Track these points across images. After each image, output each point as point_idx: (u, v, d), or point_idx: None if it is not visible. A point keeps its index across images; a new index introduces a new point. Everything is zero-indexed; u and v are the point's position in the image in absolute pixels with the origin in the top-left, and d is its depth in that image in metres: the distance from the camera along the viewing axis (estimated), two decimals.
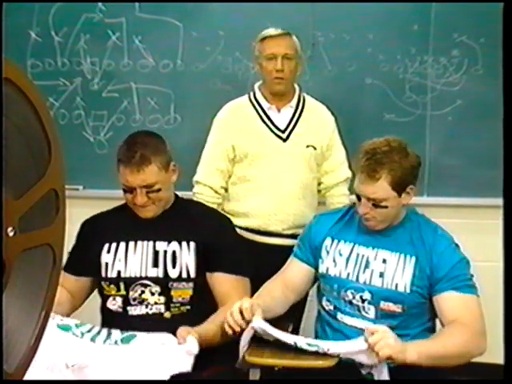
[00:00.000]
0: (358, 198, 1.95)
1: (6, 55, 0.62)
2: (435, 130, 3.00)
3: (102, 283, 2.01)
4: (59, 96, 3.09)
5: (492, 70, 2.85)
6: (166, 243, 1.98)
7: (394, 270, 1.94)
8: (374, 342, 1.70)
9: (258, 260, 2.22)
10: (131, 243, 2.00)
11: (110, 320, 2.01)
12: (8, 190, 0.64)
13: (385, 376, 1.76)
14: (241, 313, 1.80)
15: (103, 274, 2.00)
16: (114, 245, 2.01)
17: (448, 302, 1.88)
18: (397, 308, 1.92)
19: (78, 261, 2.05)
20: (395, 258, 1.95)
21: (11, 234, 0.65)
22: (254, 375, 1.87)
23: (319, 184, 2.67)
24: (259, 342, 1.85)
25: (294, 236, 2.43)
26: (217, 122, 2.61)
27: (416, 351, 1.75)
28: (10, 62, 0.62)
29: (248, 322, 1.80)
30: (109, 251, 2.01)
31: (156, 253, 1.98)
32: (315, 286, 2.18)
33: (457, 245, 1.97)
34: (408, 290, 1.92)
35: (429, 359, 1.77)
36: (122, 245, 2.00)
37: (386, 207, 1.91)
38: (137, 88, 3.09)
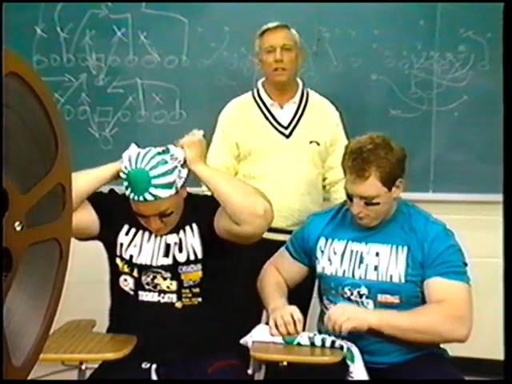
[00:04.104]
0: (350, 197, 1.96)
1: (11, 51, 0.62)
2: (441, 125, 3.00)
3: (117, 260, 2.02)
4: (65, 92, 3.10)
5: (499, 66, 2.83)
6: (175, 235, 2.00)
7: (388, 262, 1.96)
8: (334, 319, 1.82)
9: (262, 256, 2.22)
10: (146, 233, 2.01)
11: (121, 301, 2.03)
12: (15, 185, 0.64)
13: (363, 374, 1.81)
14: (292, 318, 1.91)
15: (118, 253, 2.01)
16: (133, 229, 2.02)
17: (433, 287, 1.91)
18: (394, 299, 1.94)
19: (102, 205, 2.01)
20: (387, 249, 1.97)
21: (18, 228, 0.65)
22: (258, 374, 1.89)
23: (324, 180, 2.67)
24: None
25: None
26: (221, 119, 2.62)
27: (378, 318, 1.85)
28: (16, 55, 0.62)
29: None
30: (127, 233, 2.02)
31: (167, 245, 2.00)
32: (316, 285, 2.18)
33: (449, 232, 1.98)
34: (403, 280, 1.94)
35: (391, 328, 1.85)
36: (141, 232, 2.01)
37: (378, 204, 1.93)
38: (142, 84, 3.09)
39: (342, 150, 2.65)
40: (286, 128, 2.56)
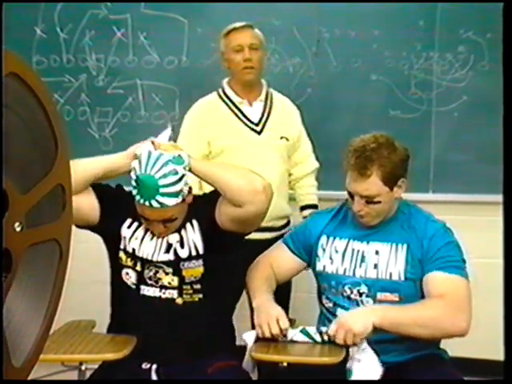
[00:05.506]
0: (351, 195, 1.96)
1: (11, 52, 0.62)
2: (440, 126, 3.00)
3: (121, 253, 2.01)
4: (64, 92, 3.10)
5: (498, 66, 2.84)
6: (176, 234, 2.00)
7: (387, 260, 1.96)
8: (348, 327, 1.78)
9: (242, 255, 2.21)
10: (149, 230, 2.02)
11: (122, 297, 2.02)
12: (15, 185, 0.64)
13: (372, 356, 1.79)
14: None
15: (122, 246, 2.01)
16: (135, 223, 2.01)
17: (432, 281, 1.90)
18: (394, 297, 1.94)
19: (108, 195, 2.02)
20: (387, 247, 1.98)
21: (18, 228, 0.65)
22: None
23: (289, 175, 2.68)
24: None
25: (272, 229, 2.44)
26: (188, 119, 2.61)
27: (380, 315, 1.81)
28: (16, 56, 0.62)
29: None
30: (129, 227, 2.02)
31: (169, 245, 2.00)
32: (315, 285, 2.18)
33: (449, 229, 1.99)
34: (402, 278, 1.94)
35: (394, 325, 1.82)
36: (143, 227, 2.01)
37: (379, 202, 1.93)
38: (142, 84, 3.09)
39: (305, 146, 2.69)
40: (257, 125, 2.57)
